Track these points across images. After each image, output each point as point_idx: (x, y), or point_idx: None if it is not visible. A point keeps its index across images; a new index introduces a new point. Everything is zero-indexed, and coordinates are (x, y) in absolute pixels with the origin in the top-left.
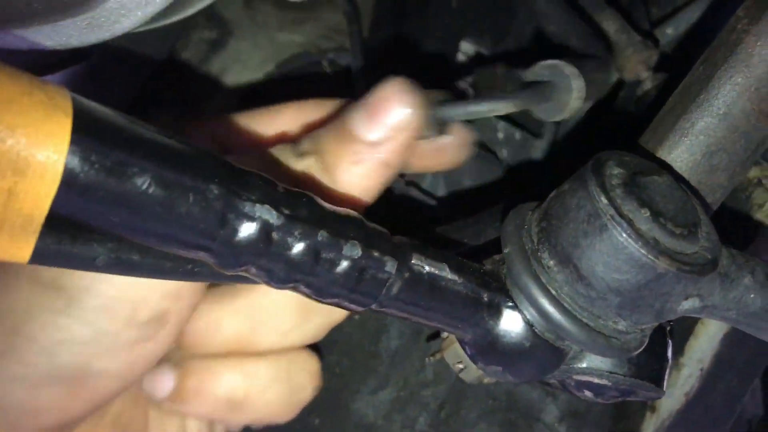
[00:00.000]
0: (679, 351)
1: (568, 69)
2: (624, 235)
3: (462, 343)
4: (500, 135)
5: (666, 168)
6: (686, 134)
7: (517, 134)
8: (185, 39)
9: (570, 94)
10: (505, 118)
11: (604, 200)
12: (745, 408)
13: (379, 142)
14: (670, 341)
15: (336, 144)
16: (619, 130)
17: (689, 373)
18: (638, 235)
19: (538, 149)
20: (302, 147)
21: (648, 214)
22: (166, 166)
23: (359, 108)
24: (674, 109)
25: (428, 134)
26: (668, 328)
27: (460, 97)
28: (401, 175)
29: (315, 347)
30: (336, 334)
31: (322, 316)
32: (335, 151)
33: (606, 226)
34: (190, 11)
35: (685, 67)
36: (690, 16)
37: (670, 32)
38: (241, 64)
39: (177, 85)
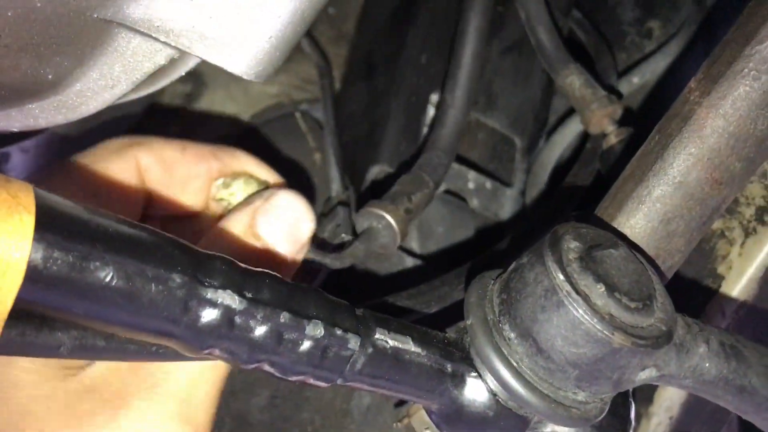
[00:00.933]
0: (648, 400)
1: (387, 214)
2: (580, 311)
3: (428, 411)
4: (471, 185)
5: (623, 238)
6: (643, 202)
7: (488, 183)
8: (160, 92)
9: (395, 235)
10: (476, 168)
11: (561, 276)
12: None
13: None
14: (632, 403)
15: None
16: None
17: (659, 422)
18: (594, 311)
19: (508, 198)
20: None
21: (603, 289)
22: (128, 257)
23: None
24: (632, 176)
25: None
26: (630, 389)
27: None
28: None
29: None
30: (309, 391)
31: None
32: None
33: (563, 302)
34: (160, 85)
35: (648, 122)
36: (655, 66)
37: (636, 81)
38: (215, 116)
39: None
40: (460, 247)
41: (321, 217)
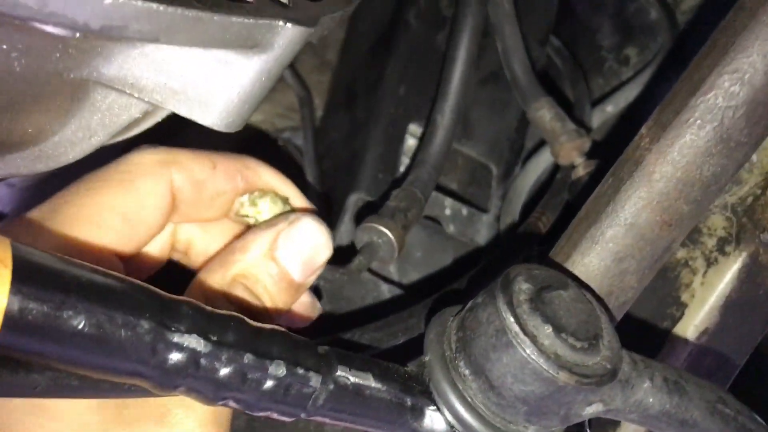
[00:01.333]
0: (615, 423)
1: (385, 228)
2: (527, 351)
3: None
4: (447, 211)
5: (574, 278)
6: (597, 242)
7: (464, 210)
8: None
9: (393, 250)
10: (452, 194)
11: (510, 318)
12: None
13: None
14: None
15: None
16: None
17: None
18: (540, 351)
19: (484, 223)
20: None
21: (551, 330)
22: (98, 305)
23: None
24: (586, 217)
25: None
26: (587, 421)
27: None
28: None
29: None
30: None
31: None
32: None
33: (512, 342)
34: (135, 133)
35: (620, 151)
36: (628, 94)
37: (609, 110)
38: (200, 142)
39: None
40: (438, 271)
41: None
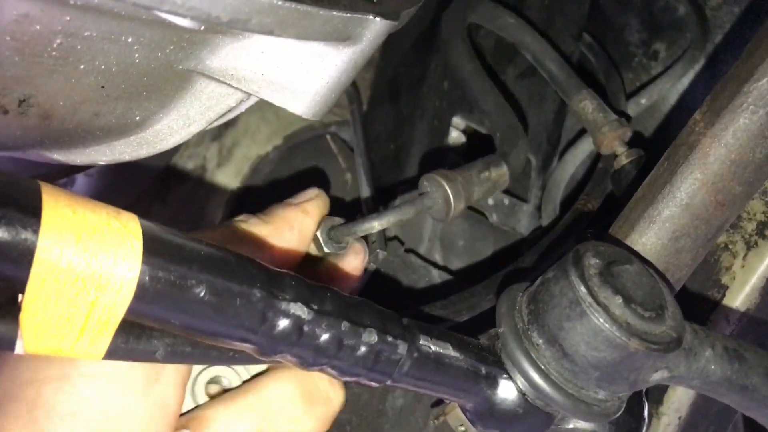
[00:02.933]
0: (658, 401)
1: (443, 180)
2: (601, 320)
3: (463, 409)
4: (490, 201)
5: (636, 255)
6: (654, 221)
7: (506, 200)
8: None
9: (449, 201)
10: None
11: (584, 289)
12: None
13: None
14: (645, 402)
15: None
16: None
17: (668, 422)
18: (613, 320)
19: (525, 213)
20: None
21: (621, 300)
22: (218, 276)
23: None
24: (643, 198)
25: (329, 249)
26: (644, 390)
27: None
28: (401, 243)
29: None
30: (346, 393)
31: (324, 404)
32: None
33: (585, 312)
34: (225, 119)
35: (656, 141)
36: (661, 87)
37: (644, 102)
38: (250, 138)
39: (194, 158)
40: (481, 258)
41: None
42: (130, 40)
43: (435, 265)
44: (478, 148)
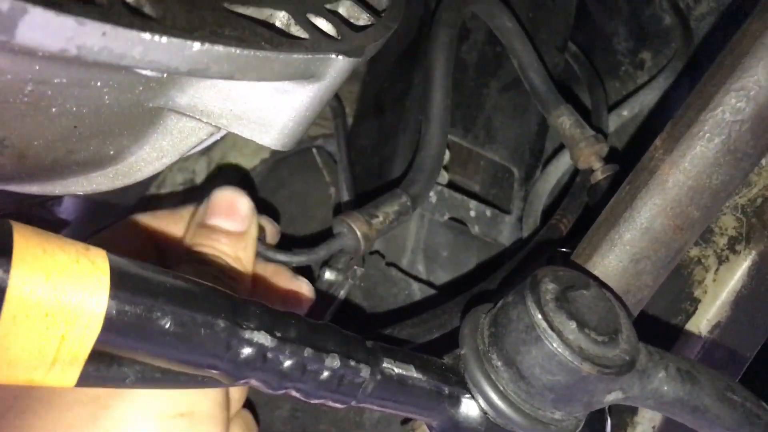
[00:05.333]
0: (633, 411)
1: (352, 222)
2: (554, 344)
3: (430, 427)
4: (472, 213)
5: (595, 279)
6: (615, 244)
7: (488, 211)
8: None
9: (359, 242)
10: (476, 197)
11: (539, 315)
12: None
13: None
14: (608, 418)
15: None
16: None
17: (643, 430)
18: (566, 345)
19: (507, 224)
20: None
21: (575, 325)
22: (183, 307)
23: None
24: (606, 221)
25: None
26: (607, 407)
27: None
28: (382, 256)
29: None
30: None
31: None
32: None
33: (540, 338)
34: (198, 149)
35: (636, 154)
36: (643, 99)
37: (625, 114)
38: (237, 152)
39: (183, 171)
40: (463, 270)
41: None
42: (99, 84)
43: (415, 278)
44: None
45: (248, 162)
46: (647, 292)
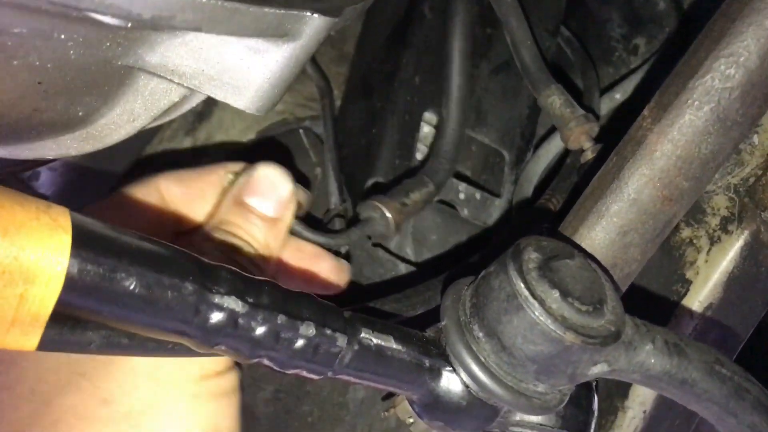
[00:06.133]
0: (623, 394)
1: (384, 207)
2: (536, 313)
3: (410, 401)
4: (462, 195)
5: (580, 249)
6: (602, 216)
7: (478, 194)
8: None
9: (389, 225)
10: (467, 180)
11: (521, 284)
12: None
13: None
14: (595, 395)
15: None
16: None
17: (633, 415)
18: (548, 313)
19: (497, 207)
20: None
21: (558, 294)
22: (148, 269)
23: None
24: (592, 194)
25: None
26: (594, 383)
27: None
28: (368, 237)
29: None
30: (309, 386)
31: None
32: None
33: (522, 306)
34: (174, 116)
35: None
36: (636, 82)
37: (618, 97)
38: (224, 132)
39: (168, 154)
40: (452, 252)
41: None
42: (62, 37)
43: (402, 259)
44: None
45: (235, 142)
46: (635, 266)
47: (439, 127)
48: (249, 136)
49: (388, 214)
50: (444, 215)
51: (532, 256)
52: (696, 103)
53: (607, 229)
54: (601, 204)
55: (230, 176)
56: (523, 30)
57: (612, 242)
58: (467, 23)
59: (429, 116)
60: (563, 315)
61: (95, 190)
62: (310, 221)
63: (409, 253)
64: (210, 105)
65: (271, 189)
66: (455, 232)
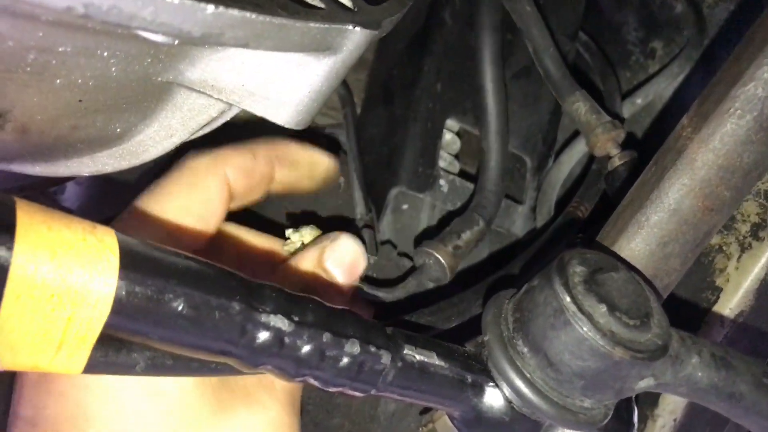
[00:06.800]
0: (653, 403)
1: (438, 254)
2: (585, 328)
3: (451, 417)
4: None
5: (623, 261)
6: (642, 227)
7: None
8: None
9: (444, 270)
10: None
11: (568, 298)
12: None
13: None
14: (635, 408)
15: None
16: (591, 199)
17: (663, 424)
18: (597, 329)
19: (520, 214)
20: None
21: (605, 309)
22: (195, 289)
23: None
24: (631, 204)
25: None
26: (634, 396)
27: None
28: (394, 246)
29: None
30: (338, 398)
31: None
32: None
33: (569, 321)
34: (208, 130)
35: (651, 142)
36: (657, 87)
37: (639, 102)
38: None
39: None
40: (476, 261)
41: None
42: (105, 54)
43: None
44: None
45: None
46: (675, 276)
47: (482, 159)
48: None
49: (443, 261)
50: None
51: (577, 270)
52: (738, 111)
53: (647, 240)
54: (641, 214)
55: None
56: (544, 37)
57: (652, 253)
58: (496, 31)
59: (451, 123)
60: (611, 330)
61: (119, 202)
62: None
63: None
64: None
65: (353, 264)
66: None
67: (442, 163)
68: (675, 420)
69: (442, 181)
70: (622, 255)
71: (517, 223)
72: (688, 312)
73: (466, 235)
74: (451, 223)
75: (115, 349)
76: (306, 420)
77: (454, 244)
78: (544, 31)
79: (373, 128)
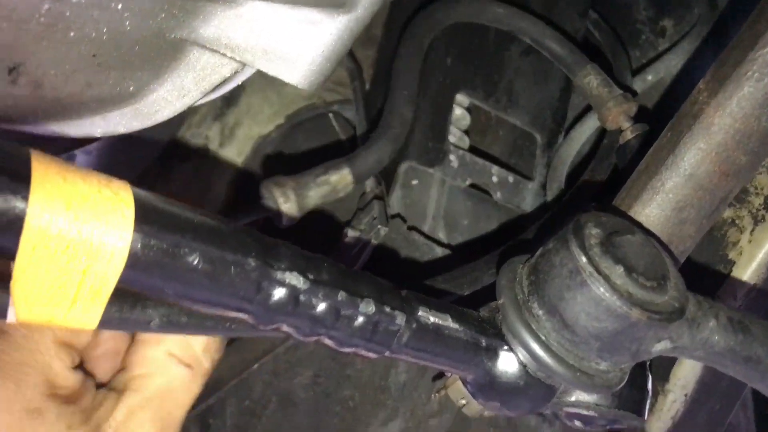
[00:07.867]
0: (664, 378)
1: (274, 188)
2: (602, 289)
3: (464, 381)
4: (494, 179)
5: (639, 225)
6: (657, 192)
7: (510, 177)
8: None
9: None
10: (498, 162)
11: (584, 259)
12: (738, 427)
13: None
14: (650, 375)
15: None
16: (602, 173)
17: (674, 399)
18: (614, 289)
19: (530, 191)
20: None
21: (622, 270)
22: (211, 245)
23: None
24: (647, 169)
25: None
26: (648, 363)
27: None
28: (404, 220)
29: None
30: (349, 369)
31: None
32: None
33: (586, 282)
34: (221, 92)
35: (662, 117)
36: (668, 63)
37: (650, 78)
38: (252, 117)
39: (197, 137)
40: (485, 237)
41: (358, 212)
42: (120, 7)
43: (438, 242)
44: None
45: (262, 128)
46: (690, 242)
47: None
48: (277, 121)
49: (278, 197)
50: (476, 199)
51: (593, 232)
52: (756, 74)
53: (662, 205)
54: (656, 180)
55: None
56: (536, 26)
57: (667, 218)
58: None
59: (461, 98)
60: (628, 291)
61: (131, 172)
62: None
63: (442, 236)
64: (238, 90)
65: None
66: (488, 216)
67: (452, 139)
68: (686, 395)
69: (452, 156)
70: (637, 220)
71: (527, 199)
72: (701, 284)
73: (324, 178)
74: (319, 165)
75: (130, 305)
76: (317, 392)
77: (305, 183)
78: (530, 18)
79: (382, 103)
